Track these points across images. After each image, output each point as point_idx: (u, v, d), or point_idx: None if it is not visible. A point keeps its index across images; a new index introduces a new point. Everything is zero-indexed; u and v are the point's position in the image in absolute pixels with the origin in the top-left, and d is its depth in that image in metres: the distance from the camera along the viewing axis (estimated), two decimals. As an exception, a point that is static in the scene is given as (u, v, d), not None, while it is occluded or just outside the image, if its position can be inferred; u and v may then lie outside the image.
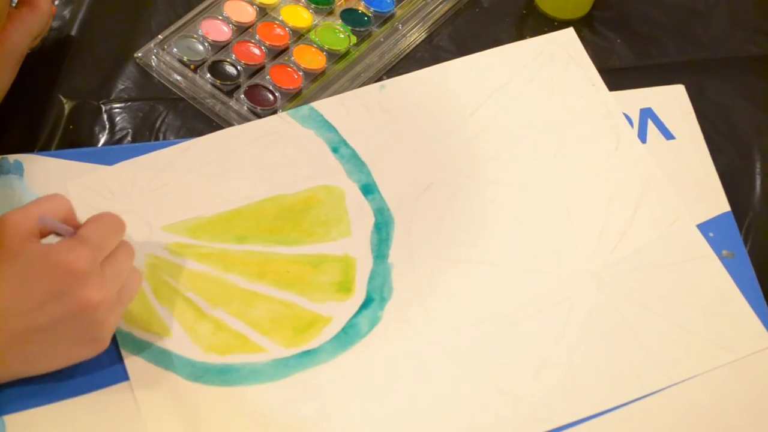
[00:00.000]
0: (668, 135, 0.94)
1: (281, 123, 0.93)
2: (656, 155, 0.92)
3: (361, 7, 1.02)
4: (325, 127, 0.93)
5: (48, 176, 0.88)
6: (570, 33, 1.00)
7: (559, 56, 0.98)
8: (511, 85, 0.96)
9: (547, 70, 0.97)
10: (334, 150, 0.91)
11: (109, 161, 0.90)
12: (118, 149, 0.92)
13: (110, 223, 0.77)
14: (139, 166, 0.89)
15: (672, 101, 0.96)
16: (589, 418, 0.78)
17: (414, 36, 1.01)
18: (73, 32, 1.00)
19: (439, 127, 0.93)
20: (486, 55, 0.99)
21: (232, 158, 0.90)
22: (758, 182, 0.93)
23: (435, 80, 0.97)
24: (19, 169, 0.88)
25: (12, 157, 0.88)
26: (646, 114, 0.95)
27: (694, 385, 0.80)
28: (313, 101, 0.94)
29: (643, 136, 0.94)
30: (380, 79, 0.98)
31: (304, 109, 0.93)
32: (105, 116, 0.94)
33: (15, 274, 0.73)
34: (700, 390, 0.80)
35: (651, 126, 0.94)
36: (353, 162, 0.91)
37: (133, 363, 0.79)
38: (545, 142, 0.93)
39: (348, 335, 0.82)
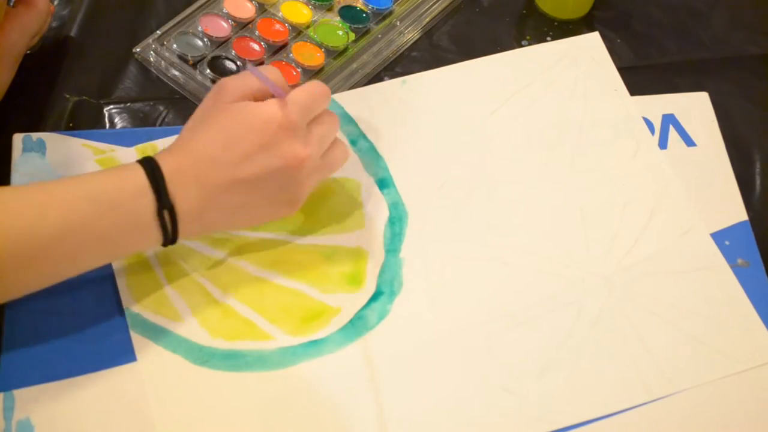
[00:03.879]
0: (689, 142, 0.94)
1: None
2: (676, 161, 0.92)
3: (360, 4, 1.02)
4: (345, 119, 0.93)
5: (69, 154, 0.89)
6: (595, 37, 1.00)
7: (583, 59, 0.98)
8: (533, 87, 0.96)
9: (569, 72, 0.97)
10: (353, 143, 0.92)
11: (129, 143, 0.91)
12: (138, 131, 0.93)
13: (318, 89, 0.80)
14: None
15: (695, 108, 0.96)
16: (593, 420, 0.78)
17: (411, 33, 1.01)
18: (73, 32, 1.00)
19: (458, 125, 0.94)
20: (509, 56, 0.99)
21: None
22: (758, 182, 0.93)
23: (457, 78, 0.97)
24: (41, 147, 0.89)
25: (35, 135, 0.89)
26: (668, 120, 0.95)
27: (698, 393, 0.80)
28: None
29: (664, 141, 0.93)
30: (378, 76, 0.98)
31: (324, 101, 0.94)
32: (105, 116, 0.95)
33: (227, 126, 0.76)
34: (705, 398, 0.80)
35: (672, 132, 0.94)
36: (371, 155, 0.91)
37: (141, 344, 0.80)
38: (563, 145, 0.93)
39: (356, 327, 0.82)
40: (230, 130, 0.76)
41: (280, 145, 0.76)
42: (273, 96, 0.78)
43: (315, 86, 0.80)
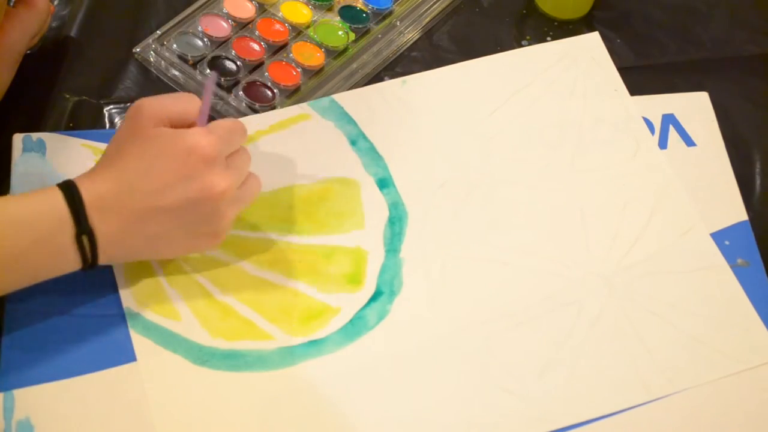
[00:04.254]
0: (689, 142, 0.94)
1: (301, 113, 0.93)
2: (676, 161, 0.92)
3: (360, 4, 1.02)
4: (344, 119, 0.93)
5: (69, 155, 0.89)
6: (595, 37, 1.00)
7: (583, 59, 0.98)
8: (533, 87, 0.96)
9: (570, 72, 0.97)
10: (353, 143, 0.92)
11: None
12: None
13: (237, 125, 0.80)
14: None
15: (695, 108, 0.96)
16: (593, 420, 0.78)
17: (411, 33, 1.01)
18: (73, 32, 1.00)
19: (459, 125, 0.94)
20: (509, 56, 0.99)
21: (250, 146, 0.90)
22: (758, 182, 0.93)
23: (457, 78, 0.97)
24: (41, 147, 0.89)
25: (35, 135, 0.89)
26: (668, 120, 0.95)
27: (698, 393, 0.80)
28: (313, 98, 0.95)
29: (664, 141, 0.93)
30: (378, 77, 0.98)
31: (324, 101, 0.94)
32: (105, 116, 0.95)
33: (146, 154, 0.76)
34: (705, 398, 0.80)
35: (672, 132, 0.94)
36: (371, 155, 0.91)
37: (141, 344, 0.80)
38: (563, 145, 0.93)
39: (355, 327, 0.82)
40: (151, 158, 0.76)
41: (200, 177, 0.76)
42: (188, 125, 0.79)
43: (233, 122, 0.81)
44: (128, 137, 0.77)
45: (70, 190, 0.74)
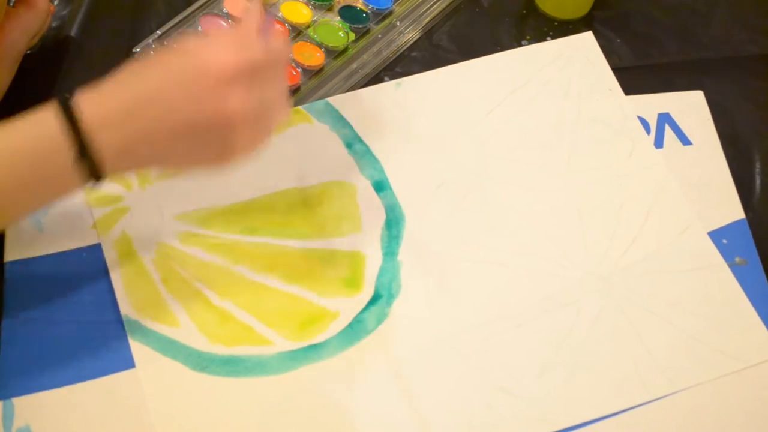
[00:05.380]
0: (685, 140, 0.94)
1: (296, 117, 0.93)
2: (672, 160, 0.92)
3: (360, 4, 1.02)
4: (340, 122, 0.93)
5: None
6: (589, 37, 1.00)
7: (577, 59, 0.98)
8: (528, 87, 0.96)
9: (564, 72, 0.97)
10: (348, 146, 0.92)
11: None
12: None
13: (275, 47, 0.76)
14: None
15: (690, 107, 0.96)
16: (593, 421, 0.78)
17: (411, 34, 1.01)
18: (73, 32, 1.00)
19: (454, 127, 0.94)
20: (503, 56, 0.99)
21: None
22: (758, 182, 0.93)
23: (451, 80, 0.97)
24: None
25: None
26: (664, 119, 0.95)
27: (698, 392, 0.80)
28: (312, 98, 0.95)
29: (660, 140, 0.93)
30: (378, 77, 0.98)
31: (320, 104, 0.94)
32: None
33: (158, 71, 0.73)
34: (705, 397, 0.80)
35: (668, 131, 0.94)
36: (367, 158, 0.91)
37: (139, 351, 0.80)
38: (559, 145, 0.93)
39: (354, 331, 0.82)
40: (163, 75, 0.72)
41: (212, 98, 0.72)
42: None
43: (274, 47, 0.76)
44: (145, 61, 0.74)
45: (66, 110, 0.70)
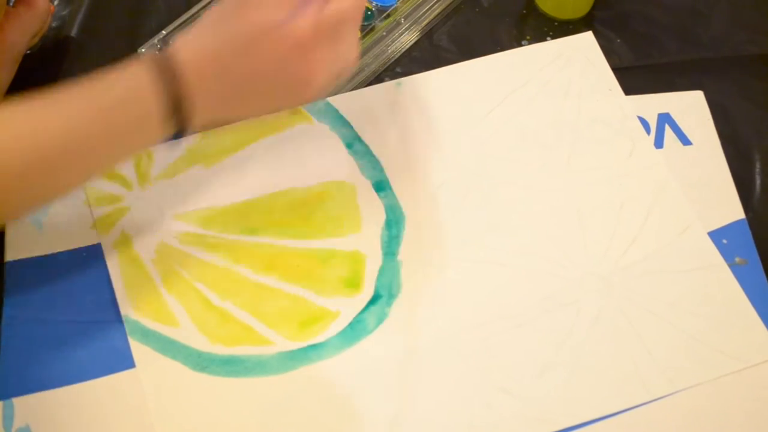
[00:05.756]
0: (685, 141, 0.94)
1: (296, 117, 0.93)
2: (672, 160, 0.92)
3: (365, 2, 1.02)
4: (340, 122, 0.93)
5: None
6: (588, 37, 1.00)
7: (577, 59, 0.98)
8: (528, 87, 0.96)
9: (564, 72, 0.97)
10: (348, 146, 0.92)
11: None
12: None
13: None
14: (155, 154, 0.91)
15: (690, 107, 0.96)
16: (593, 421, 0.78)
17: (412, 34, 1.01)
18: (73, 32, 1.00)
19: (454, 126, 0.94)
20: (503, 56, 0.99)
21: (247, 150, 0.91)
22: (758, 182, 0.93)
23: (451, 80, 0.97)
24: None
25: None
26: (664, 119, 0.95)
27: (698, 392, 0.80)
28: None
29: (660, 140, 0.93)
30: (379, 77, 0.98)
31: (320, 104, 0.94)
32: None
33: (248, 25, 0.75)
34: (705, 397, 0.80)
35: (668, 131, 0.94)
36: (367, 158, 0.91)
37: (139, 351, 0.80)
38: (559, 145, 0.93)
39: (354, 331, 0.82)
40: (257, 31, 0.74)
41: (285, 20, 0.74)
42: None
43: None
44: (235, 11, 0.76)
45: (168, 63, 0.72)
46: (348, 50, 0.78)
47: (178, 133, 0.74)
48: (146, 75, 0.72)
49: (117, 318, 0.81)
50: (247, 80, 0.75)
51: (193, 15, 0.99)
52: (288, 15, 0.74)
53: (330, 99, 0.94)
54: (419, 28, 1.02)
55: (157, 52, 0.73)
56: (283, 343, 0.81)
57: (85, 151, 0.72)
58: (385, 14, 1.01)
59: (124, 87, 0.72)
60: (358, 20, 0.79)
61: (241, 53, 0.74)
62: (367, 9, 1.01)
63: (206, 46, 0.74)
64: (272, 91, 0.76)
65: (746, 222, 0.89)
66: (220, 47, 0.74)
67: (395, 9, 1.02)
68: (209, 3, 1.00)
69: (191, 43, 0.74)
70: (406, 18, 1.01)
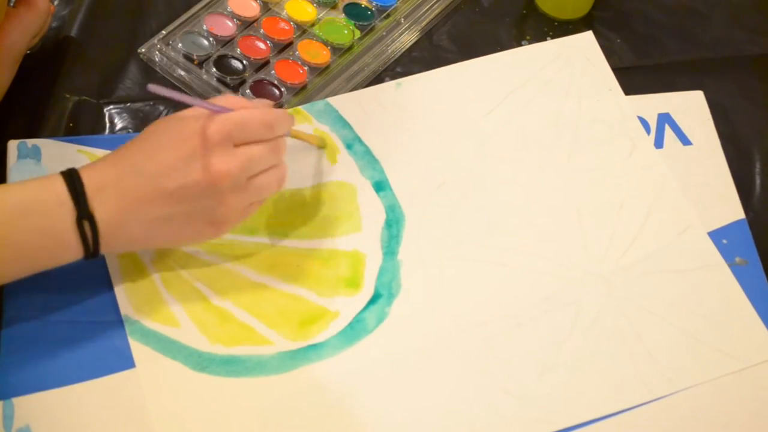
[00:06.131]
0: (685, 141, 0.94)
1: (296, 117, 0.93)
2: (672, 160, 0.92)
3: (364, 2, 1.02)
4: (339, 123, 0.93)
5: (65, 161, 0.88)
6: (588, 36, 1.00)
7: (577, 59, 0.98)
8: (528, 87, 0.96)
9: (564, 72, 0.97)
10: (348, 146, 0.92)
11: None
12: (134, 136, 0.92)
13: (258, 115, 0.78)
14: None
15: (690, 107, 0.96)
16: (593, 421, 0.78)
17: (412, 34, 1.01)
18: (73, 32, 1.00)
19: (454, 127, 0.94)
20: (503, 56, 0.99)
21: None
22: (758, 182, 0.93)
23: (451, 80, 0.97)
24: (36, 153, 0.89)
25: (30, 142, 0.89)
26: (664, 119, 0.95)
27: (698, 392, 0.80)
28: (319, 96, 0.95)
29: (660, 140, 0.93)
30: (379, 77, 0.98)
31: (319, 104, 0.94)
32: (105, 116, 0.95)
33: (151, 138, 0.76)
34: (705, 397, 0.80)
35: (668, 131, 0.94)
36: (367, 159, 0.91)
37: (139, 351, 0.80)
38: (559, 145, 0.93)
39: (354, 330, 0.82)
40: (155, 141, 0.76)
41: (200, 158, 0.75)
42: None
43: (258, 112, 0.79)
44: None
45: (70, 174, 0.74)
46: (266, 166, 0.79)
47: (91, 252, 0.75)
48: (56, 186, 0.74)
49: (117, 318, 0.81)
50: (145, 190, 0.75)
51: (193, 15, 0.99)
52: (187, 124, 0.76)
53: (330, 99, 0.94)
54: (419, 28, 1.02)
55: (66, 171, 0.75)
56: (283, 343, 0.81)
57: None
58: (385, 14, 1.01)
59: (37, 200, 0.74)
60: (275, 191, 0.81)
61: (136, 164, 0.75)
62: (367, 9, 1.01)
63: (106, 164, 0.76)
64: (178, 202, 0.76)
65: (746, 222, 0.89)
66: (118, 162, 0.76)
67: (395, 9, 1.02)
68: (209, 3, 1.00)
69: (95, 163, 0.76)
70: (406, 18, 1.01)
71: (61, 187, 0.73)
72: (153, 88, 0.74)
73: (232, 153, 0.76)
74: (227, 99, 0.79)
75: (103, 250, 0.76)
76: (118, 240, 0.76)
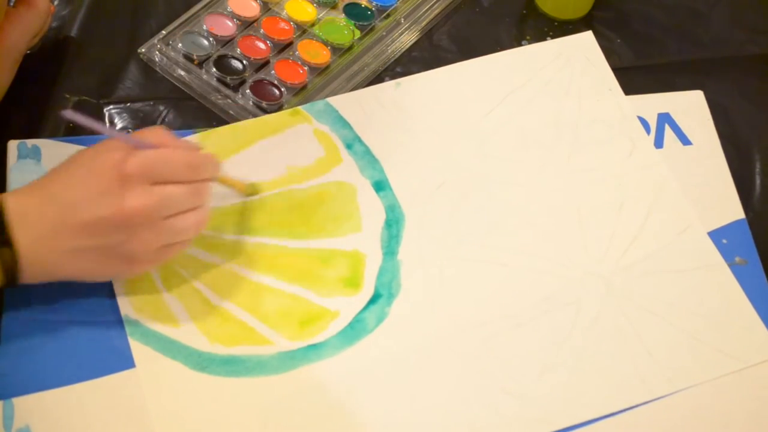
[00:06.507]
0: (685, 140, 0.94)
1: (296, 117, 0.93)
2: (672, 160, 0.92)
3: (364, 2, 1.02)
4: (339, 123, 0.93)
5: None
6: (588, 36, 1.00)
7: (577, 59, 0.98)
8: (528, 87, 0.96)
9: (564, 72, 0.97)
10: (348, 146, 0.92)
11: (125, 149, 0.90)
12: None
13: (179, 156, 0.78)
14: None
15: (690, 107, 0.96)
16: (593, 421, 0.78)
17: (412, 34, 1.01)
18: (73, 32, 1.00)
19: (454, 127, 0.94)
20: (503, 56, 0.99)
21: (247, 151, 0.91)
22: (758, 182, 0.93)
23: (451, 80, 0.97)
24: (36, 153, 0.89)
25: (30, 142, 0.89)
26: (664, 119, 0.95)
27: (698, 392, 0.80)
28: (319, 96, 0.95)
29: (660, 140, 0.93)
30: (379, 77, 0.98)
31: (319, 104, 0.94)
32: (105, 116, 0.95)
33: (71, 168, 0.76)
34: (705, 397, 0.80)
35: (668, 131, 0.94)
36: (366, 159, 0.91)
37: (139, 351, 0.80)
38: (559, 145, 0.93)
39: (354, 330, 0.82)
40: (75, 173, 0.76)
41: (114, 193, 0.74)
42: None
43: (181, 152, 0.78)
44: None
45: None
46: (182, 205, 0.78)
47: (11, 281, 0.75)
48: None
49: (117, 318, 0.81)
50: (62, 222, 0.74)
51: (193, 15, 0.99)
52: (103, 157, 0.76)
53: (330, 99, 0.94)
54: (419, 28, 1.02)
55: None
56: (282, 342, 0.81)
57: None
58: (385, 14, 1.01)
59: None
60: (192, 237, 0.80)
61: (55, 196, 0.75)
62: (367, 9, 1.01)
63: (31, 193, 0.76)
64: (92, 235, 0.75)
65: (746, 222, 0.89)
66: (41, 193, 0.75)
67: (395, 9, 1.02)
68: (209, 3, 1.00)
69: (20, 192, 0.76)
70: (406, 18, 1.01)
71: None
72: (69, 114, 0.75)
73: (147, 190, 0.75)
74: (155, 133, 0.78)
75: (24, 279, 0.75)
76: (38, 270, 0.75)
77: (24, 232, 0.73)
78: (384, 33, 1.00)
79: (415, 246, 0.87)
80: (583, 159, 0.92)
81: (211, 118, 0.94)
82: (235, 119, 0.93)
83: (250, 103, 0.94)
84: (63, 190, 0.75)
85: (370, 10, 1.01)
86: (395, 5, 1.02)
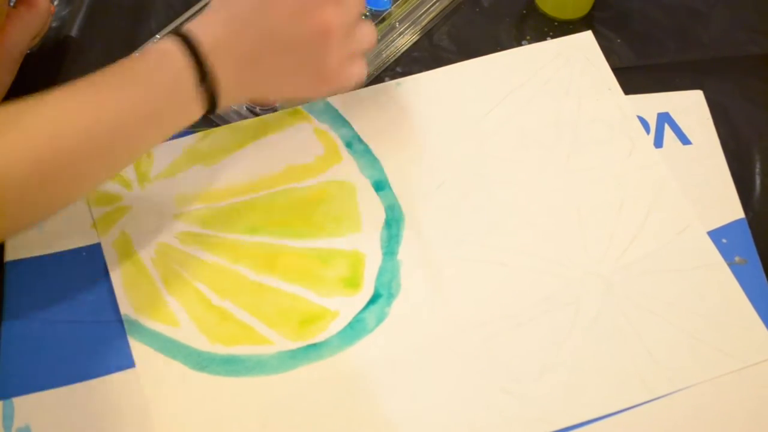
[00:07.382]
0: (685, 140, 0.94)
1: (296, 117, 0.93)
2: (672, 160, 0.92)
3: (359, 6, 1.02)
4: (339, 122, 0.93)
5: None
6: (588, 36, 1.00)
7: (576, 59, 0.98)
8: (527, 87, 0.96)
9: (563, 72, 0.97)
10: (348, 145, 0.92)
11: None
12: None
13: None
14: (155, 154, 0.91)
15: (690, 106, 0.96)
16: (593, 420, 0.78)
17: (412, 34, 1.01)
18: (73, 32, 1.00)
19: (454, 126, 0.94)
20: (503, 56, 0.99)
21: (247, 149, 0.91)
22: (758, 182, 0.93)
23: (451, 79, 0.97)
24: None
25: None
26: (663, 118, 0.95)
27: (698, 392, 0.80)
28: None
29: (659, 140, 0.93)
30: (379, 77, 0.98)
31: (319, 104, 0.94)
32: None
33: None
34: (705, 397, 0.79)
35: (668, 130, 0.94)
36: (366, 158, 0.91)
37: (139, 350, 0.80)
38: (559, 145, 0.92)
39: (354, 330, 0.82)
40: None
41: (312, 11, 0.78)
42: None
43: None
44: None
45: (186, 39, 0.76)
46: (359, 17, 0.83)
47: (211, 107, 0.77)
48: (173, 52, 0.75)
49: (117, 318, 0.81)
50: (260, 43, 0.77)
51: (192, 15, 0.99)
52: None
53: (330, 99, 0.94)
54: (419, 28, 1.02)
55: (176, 31, 0.77)
56: (282, 342, 0.81)
57: (134, 134, 0.75)
58: (380, 18, 1.01)
59: (157, 66, 0.75)
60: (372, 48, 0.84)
61: (248, 18, 0.77)
62: (362, 14, 1.01)
63: (216, 20, 0.78)
64: (290, 52, 0.78)
65: (746, 221, 0.89)
66: (228, 18, 0.78)
67: (389, 13, 1.01)
68: (209, 3, 1.00)
69: (203, 21, 0.78)
70: (402, 20, 1.01)
71: (179, 55, 0.75)
72: None
73: (338, 5, 0.79)
74: None
75: (222, 104, 0.78)
76: (236, 93, 0.79)
77: (222, 62, 0.76)
78: (379, 37, 1.00)
79: (415, 246, 0.87)
80: (583, 159, 0.92)
81: (208, 119, 0.94)
82: (229, 122, 0.93)
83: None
84: (255, 15, 0.77)
85: (365, 15, 1.01)
86: (389, 9, 1.02)
